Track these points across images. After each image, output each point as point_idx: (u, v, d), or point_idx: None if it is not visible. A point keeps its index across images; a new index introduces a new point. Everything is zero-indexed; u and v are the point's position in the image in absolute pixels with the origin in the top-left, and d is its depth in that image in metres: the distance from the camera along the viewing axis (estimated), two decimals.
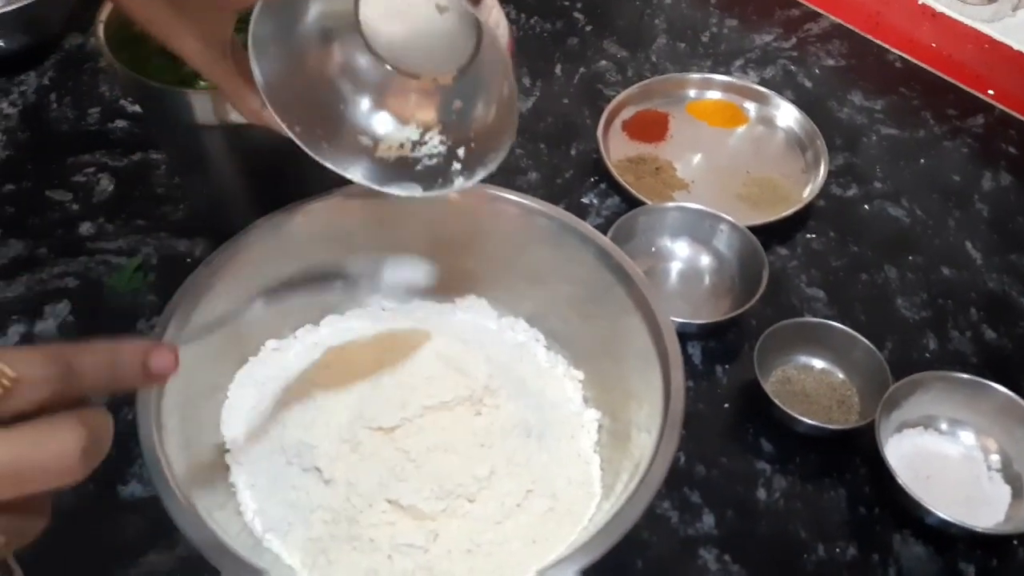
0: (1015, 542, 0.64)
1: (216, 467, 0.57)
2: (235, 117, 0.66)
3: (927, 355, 0.76)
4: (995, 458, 0.67)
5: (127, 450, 0.63)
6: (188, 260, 0.77)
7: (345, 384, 0.59)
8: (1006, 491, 0.65)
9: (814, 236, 0.85)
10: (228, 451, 0.58)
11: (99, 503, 0.62)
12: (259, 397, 0.61)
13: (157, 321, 0.56)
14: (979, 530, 0.62)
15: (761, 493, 0.66)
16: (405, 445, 0.55)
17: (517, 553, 0.53)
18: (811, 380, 0.72)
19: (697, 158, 0.93)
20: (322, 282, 0.67)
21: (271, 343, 0.64)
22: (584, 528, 0.55)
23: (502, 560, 0.53)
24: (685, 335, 0.75)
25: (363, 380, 0.58)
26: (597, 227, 0.64)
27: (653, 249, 0.82)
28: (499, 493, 0.55)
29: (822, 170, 0.89)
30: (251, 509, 0.55)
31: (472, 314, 0.68)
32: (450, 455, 0.55)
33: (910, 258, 0.84)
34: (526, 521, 0.55)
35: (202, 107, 0.65)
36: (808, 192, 0.88)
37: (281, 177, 0.73)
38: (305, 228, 0.65)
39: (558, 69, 1.03)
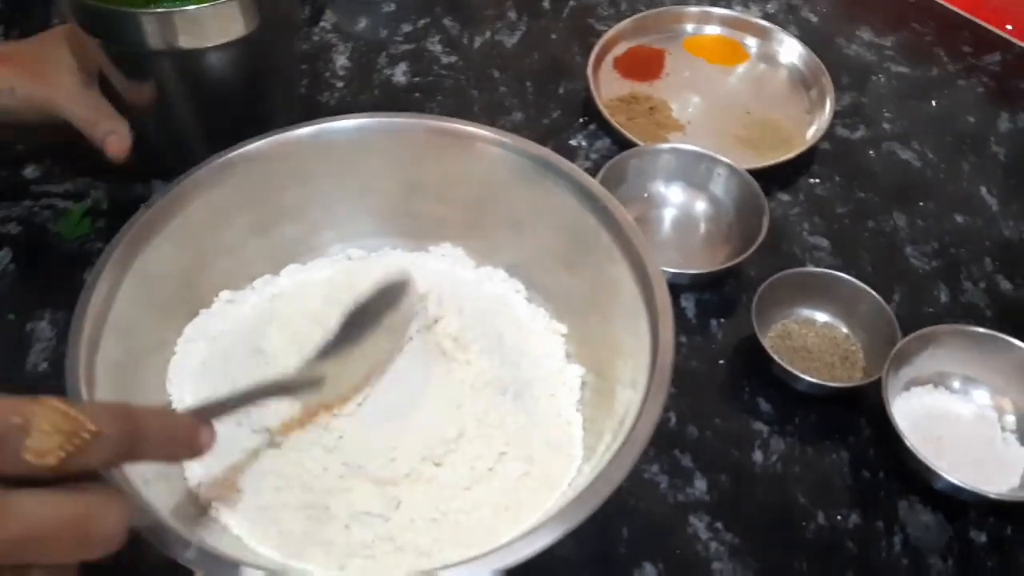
0: None
1: None
2: (185, 41, 0.60)
3: (938, 308, 0.70)
4: (1010, 418, 0.62)
5: None
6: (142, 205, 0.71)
7: (302, 339, 0.54)
8: (1021, 453, 0.60)
9: (818, 181, 0.79)
10: (173, 408, 0.53)
11: None
12: (209, 353, 0.56)
13: (89, 272, 0.51)
14: (992, 496, 0.57)
15: (757, 456, 0.61)
16: (365, 404, 0.50)
17: (487, 522, 0.48)
18: (813, 335, 0.67)
19: (694, 98, 0.87)
20: (282, 228, 0.61)
21: (225, 294, 0.59)
22: (563, 493, 0.50)
23: (470, 529, 0.48)
24: (678, 286, 0.69)
25: (321, 334, 0.53)
26: (586, 171, 0.58)
27: (645, 195, 0.76)
28: (469, 456, 0.50)
29: (827, 110, 0.83)
30: (197, 475, 0.50)
31: (447, 263, 0.63)
32: (415, 415, 0.50)
33: (920, 204, 0.78)
34: (498, 487, 0.50)
35: (153, 30, 0.59)
36: (812, 134, 0.82)
37: (240, 109, 0.68)
38: (263, 168, 0.59)
39: (546, 2, 0.96)
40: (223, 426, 0.50)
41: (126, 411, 0.33)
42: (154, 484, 0.46)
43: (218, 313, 0.58)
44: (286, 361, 0.51)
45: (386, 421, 0.50)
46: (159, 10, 0.59)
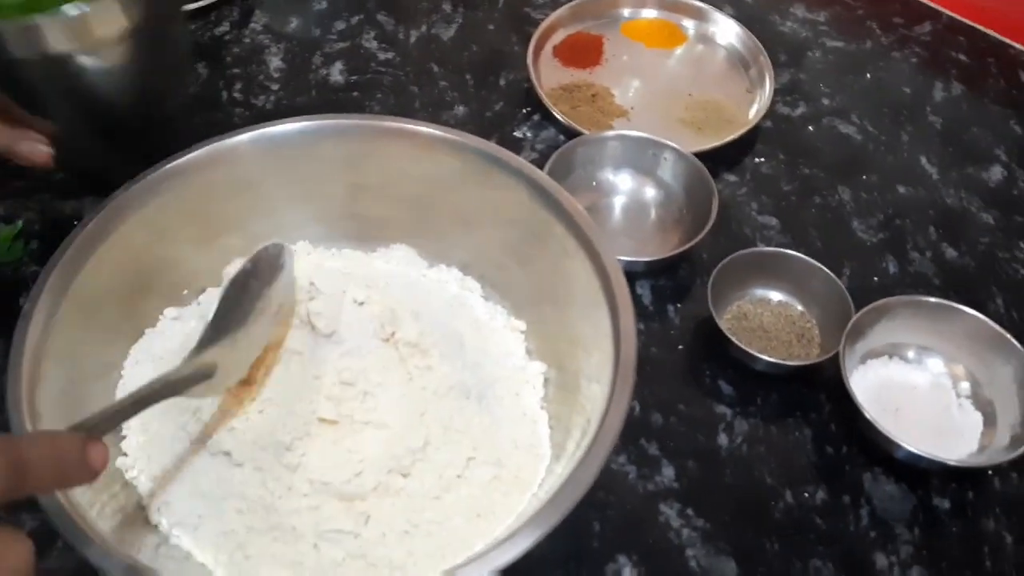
0: (990, 472, 0.60)
1: (113, 457, 0.50)
2: (56, 44, 0.57)
3: (887, 279, 0.71)
4: (964, 385, 0.63)
5: None
6: (76, 224, 0.68)
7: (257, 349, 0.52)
8: (977, 419, 0.61)
9: (763, 160, 0.80)
10: (124, 438, 0.51)
11: None
12: (157, 374, 0.53)
13: (26, 297, 0.48)
14: (952, 463, 0.58)
15: (723, 439, 0.61)
16: (327, 418, 0.48)
17: (460, 530, 0.48)
18: (768, 314, 0.67)
19: (635, 82, 0.86)
20: (225, 239, 0.59)
21: (170, 311, 0.57)
22: (534, 495, 0.50)
23: (444, 539, 0.47)
24: (633, 274, 0.69)
25: (275, 348, 0.51)
26: (533, 162, 0.58)
27: (594, 183, 0.75)
28: (436, 465, 0.49)
29: (767, 89, 0.83)
30: (155, 503, 0.48)
31: (397, 264, 0.61)
32: (378, 426, 0.49)
33: (864, 178, 0.79)
34: (468, 493, 0.49)
35: (15, 38, 0.55)
36: (754, 113, 0.82)
37: (130, 111, 0.64)
38: (202, 178, 0.57)
39: None
40: (178, 451, 0.49)
41: (5, 442, 0.31)
42: (110, 517, 0.44)
43: (164, 331, 0.56)
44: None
45: (349, 435, 0.48)
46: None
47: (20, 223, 0.69)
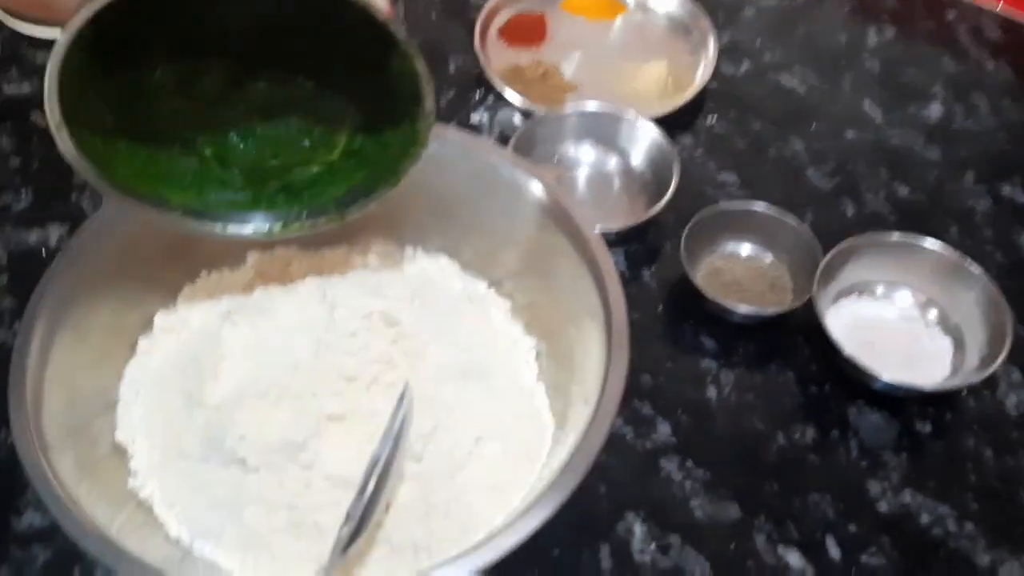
0: (964, 393, 0.63)
1: (122, 480, 0.50)
2: None
3: (846, 222, 0.74)
4: (932, 313, 0.66)
5: (13, 478, 0.55)
6: (43, 252, 0.68)
7: (255, 354, 0.52)
8: (947, 344, 0.65)
9: (715, 119, 0.82)
10: (132, 458, 0.51)
11: None
12: (157, 389, 0.54)
13: (19, 327, 0.48)
14: (928, 389, 0.61)
15: (711, 392, 0.63)
16: (335, 413, 0.49)
17: (477, 505, 0.49)
18: (740, 267, 0.69)
19: (582, 56, 0.88)
20: (204, 246, 0.59)
21: (159, 320, 0.56)
22: (544, 465, 0.51)
23: (463, 516, 0.48)
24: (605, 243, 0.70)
25: (275, 346, 0.52)
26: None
27: (556, 159, 0.77)
28: (447, 446, 0.50)
29: (711, 51, 0.85)
30: (173, 519, 0.48)
31: (376, 257, 0.62)
32: (385, 416, 0.49)
33: (812, 127, 0.82)
34: (481, 469, 0.50)
35: None
36: (700, 75, 0.84)
37: None
38: None
39: None
40: (189, 466, 0.50)
41: None
42: (131, 535, 0.45)
43: (158, 342, 0.56)
44: (249, 385, 0.50)
45: (358, 428, 0.49)
46: None
47: None
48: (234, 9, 0.46)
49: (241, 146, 0.52)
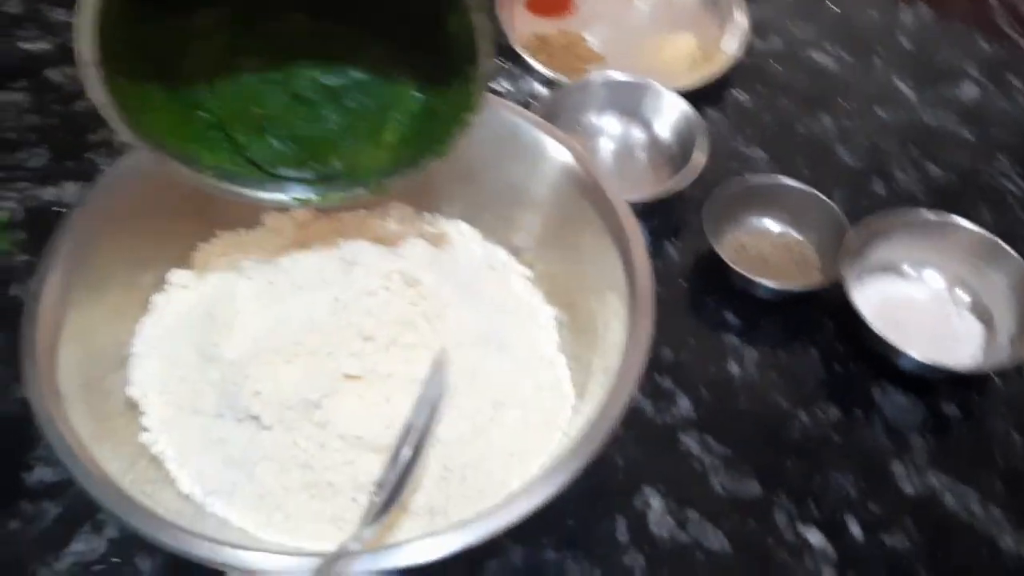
0: (993, 376, 0.62)
1: (134, 435, 0.49)
2: None
3: (876, 200, 0.73)
4: (963, 294, 0.64)
5: (22, 433, 0.55)
6: (58, 209, 0.67)
7: (271, 311, 0.51)
8: (977, 327, 0.63)
9: (743, 94, 0.80)
10: (143, 414, 0.50)
11: (2, 496, 0.53)
12: (171, 345, 0.53)
13: (31, 282, 0.47)
14: (956, 370, 0.59)
15: (733, 368, 0.62)
16: (352, 374, 0.48)
17: (495, 472, 0.48)
18: (766, 244, 0.68)
19: (608, 28, 0.86)
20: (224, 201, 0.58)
21: (174, 277, 0.55)
22: (564, 434, 0.50)
23: (480, 482, 0.47)
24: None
25: (292, 303, 0.51)
26: None
27: (579, 128, 0.75)
28: (467, 412, 0.49)
29: (741, 24, 0.83)
30: (186, 476, 0.48)
31: (395, 222, 0.61)
32: (404, 379, 0.48)
33: (843, 103, 0.80)
34: (499, 436, 0.49)
35: None
36: (729, 48, 0.82)
37: None
38: None
39: None
40: (203, 421, 0.49)
41: None
42: (142, 491, 0.44)
43: (172, 298, 0.55)
44: (264, 342, 0.49)
45: (375, 388, 0.48)
46: None
47: (3, 213, 0.67)
48: None
49: (289, 114, 0.49)
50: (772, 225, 0.69)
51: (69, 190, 0.68)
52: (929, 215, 0.65)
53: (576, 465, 0.43)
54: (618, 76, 0.74)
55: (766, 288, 0.63)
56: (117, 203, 0.53)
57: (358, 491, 0.46)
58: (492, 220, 0.60)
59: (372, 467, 0.46)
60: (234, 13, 0.46)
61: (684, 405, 0.60)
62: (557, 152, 0.55)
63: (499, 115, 0.57)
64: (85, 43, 0.39)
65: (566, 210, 0.56)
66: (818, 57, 0.84)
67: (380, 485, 0.43)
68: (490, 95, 0.57)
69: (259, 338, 0.49)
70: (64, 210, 0.67)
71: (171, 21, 0.45)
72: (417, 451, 0.44)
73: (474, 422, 0.49)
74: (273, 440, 0.47)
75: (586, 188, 0.54)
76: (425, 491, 0.46)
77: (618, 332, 0.49)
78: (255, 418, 0.47)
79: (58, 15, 0.81)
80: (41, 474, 0.54)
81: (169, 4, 0.44)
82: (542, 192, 0.57)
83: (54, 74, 0.76)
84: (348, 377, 0.48)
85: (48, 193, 0.68)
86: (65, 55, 0.78)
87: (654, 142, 0.74)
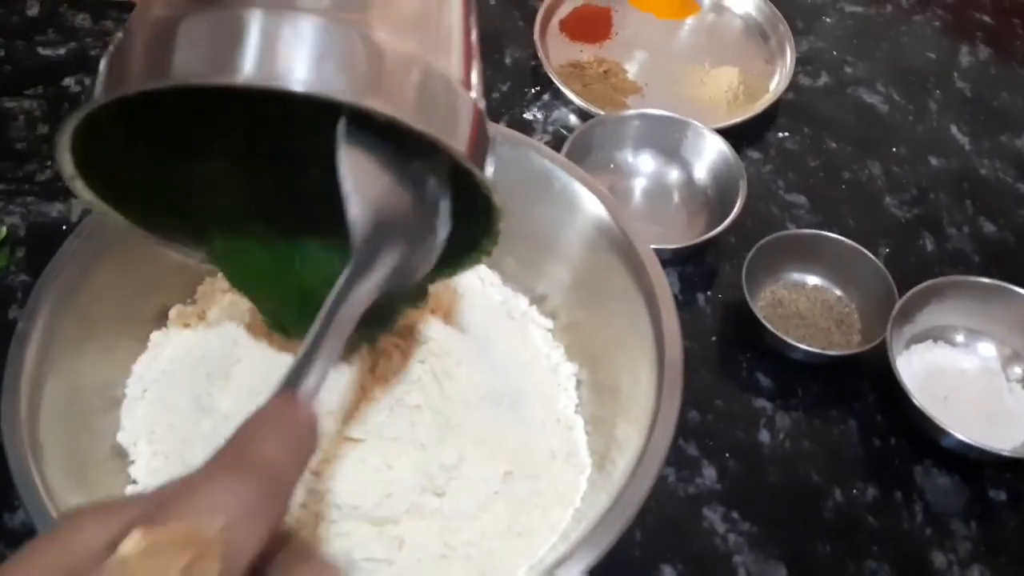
0: None
1: (120, 486, 0.46)
2: None
3: (925, 257, 0.68)
4: (1017, 369, 0.60)
5: (6, 472, 0.52)
6: (64, 228, 0.64)
7: (274, 362, 0.48)
8: None
9: (787, 134, 0.76)
10: (132, 463, 0.47)
11: None
12: (166, 389, 0.50)
13: (14, 309, 0.44)
14: (1005, 453, 0.55)
15: (764, 436, 0.58)
16: (352, 435, 0.45)
17: (500, 552, 0.44)
18: (804, 299, 0.63)
19: (648, 57, 0.82)
20: None
21: (175, 313, 0.52)
22: (577, 509, 0.47)
23: (483, 563, 0.44)
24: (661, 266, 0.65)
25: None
26: (546, 145, 0.54)
27: (612, 165, 0.71)
28: (472, 482, 0.45)
29: (788, 59, 0.79)
30: None
31: None
32: (408, 443, 0.45)
33: (893, 150, 0.75)
34: (506, 511, 0.45)
35: None
36: (775, 85, 0.78)
37: None
38: None
39: None
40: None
41: (236, 461, 0.23)
42: None
43: (172, 336, 0.52)
44: (250, 385, 0.46)
45: (376, 453, 0.45)
46: None
47: (4, 228, 0.64)
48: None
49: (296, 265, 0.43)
50: (812, 280, 0.65)
51: (77, 207, 0.66)
52: (988, 281, 0.60)
53: (589, 557, 0.39)
54: (656, 112, 0.70)
55: (803, 351, 0.59)
56: (120, 231, 0.50)
57: (351, 567, 0.42)
58: (515, 265, 0.57)
59: (368, 540, 0.43)
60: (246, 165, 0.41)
61: (709, 475, 0.56)
62: (589, 201, 0.52)
63: (529, 158, 0.53)
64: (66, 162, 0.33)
65: (592, 259, 0.52)
66: (869, 97, 0.79)
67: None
68: (517, 131, 0.54)
69: (256, 392, 0.46)
70: (69, 228, 0.65)
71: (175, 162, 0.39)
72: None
73: (480, 494, 0.45)
74: None
75: (613, 237, 0.51)
76: (423, 570, 0.43)
77: (644, 395, 0.45)
78: None
79: (80, 20, 0.79)
80: (24, 516, 0.52)
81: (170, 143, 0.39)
82: (571, 241, 0.53)
83: (72, 83, 0.74)
84: (348, 439, 0.45)
85: (55, 209, 0.66)
86: (85, 62, 0.75)
87: (690, 184, 0.70)
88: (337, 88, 0.27)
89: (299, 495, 0.43)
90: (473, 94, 0.32)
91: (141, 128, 0.36)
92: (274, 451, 0.24)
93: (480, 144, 0.32)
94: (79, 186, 0.35)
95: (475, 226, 0.38)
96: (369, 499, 0.43)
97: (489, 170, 0.33)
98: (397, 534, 0.43)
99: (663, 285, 0.48)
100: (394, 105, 0.28)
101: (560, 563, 0.39)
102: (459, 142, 0.30)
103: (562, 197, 0.52)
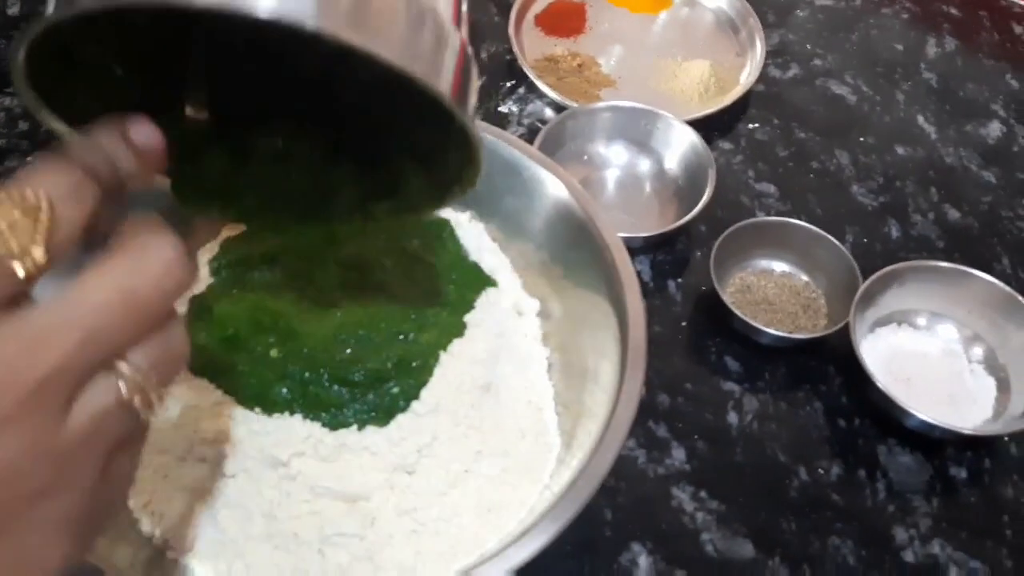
0: (1006, 439, 0.59)
1: None
2: None
3: (891, 244, 0.70)
4: (977, 350, 0.61)
5: None
6: None
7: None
8: (991, 384, 0.60)
9: (757, 125, 0.77)
10: None
11: None
12: None
13: None
14: (967, 432, 0.56)
15: (732, 418, 0.59)
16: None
17: (470, 527, 0.45)
18: (772, 285, 0.65)
19: (621, 50, 0.84)
20: None
21: None
22: (546, 487, 0.48)
23: (453, 538, 0.45)
24: (630, 250, 0.64)
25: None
26: (520, 137, 0.55)
27: (585, 157, 0.73)
28: (443, 460, 0.46)
29: (758, 52, 0.81)
30: (147, 518, 0.45)
31: None
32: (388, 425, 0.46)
33: (861, 139, 0.77)
34: (476, 488, 0.47)
35: None
36: (745, 77, 0.80)
37: None
38: None
39: None
40: (164, 460, 0.47)
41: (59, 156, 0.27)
42: (112, 543, 0.42)
43: None
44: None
45: (354, 434, 0.46)
46: None
47: None
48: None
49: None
50: (780, 266, 0.66)
51: None
52: (949, 265, 0.62)
53: (555, 526, 0.40)
54: (628, 104, 0.72)
55: (771, 335, 0.60)
56: None
57: (323, 543, 0.43)
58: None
59: (339, 517, 0.44)
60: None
61: (678, 456, 0.57)
62: (551, 185, 0.53)
63: (496, 146, 0.54)
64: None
65: (559, 246, 0.53)
66: (837, 88, 0.81)
67: None
68: (491, 127, 0.55)
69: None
70: None
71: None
72: None
73: (450, 471, 0.46)
74: (237, 487, 0.44)
75: (579, 224, 0.52)
76: (393, 545, 0.44)
77: (609, 378, 0.47)
78: (218, 466, 0.45)
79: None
80: None
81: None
82: (535, 226, 0.54)
83: None
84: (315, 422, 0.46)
85: None
86: None
87: (661, 174, 0.72)
88: (307, 14, 0.25)
89: (271, 475, 0.44)
90: (462, 32, 0.31)
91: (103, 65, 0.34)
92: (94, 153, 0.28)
93: (465, 85, 0.31)
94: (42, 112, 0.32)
95: (455, 160, 0.36)
96: (341, 477, 0.45)
97: (472, 100, 0.32)
98: (368, 511, 0.44)
99: (627, 268, 0.49)
100: (376, 41, 0.26)
101: (524, 534, 0.40)
102: (444, 85, 0.29)
103: (528, 186, 0.54)
